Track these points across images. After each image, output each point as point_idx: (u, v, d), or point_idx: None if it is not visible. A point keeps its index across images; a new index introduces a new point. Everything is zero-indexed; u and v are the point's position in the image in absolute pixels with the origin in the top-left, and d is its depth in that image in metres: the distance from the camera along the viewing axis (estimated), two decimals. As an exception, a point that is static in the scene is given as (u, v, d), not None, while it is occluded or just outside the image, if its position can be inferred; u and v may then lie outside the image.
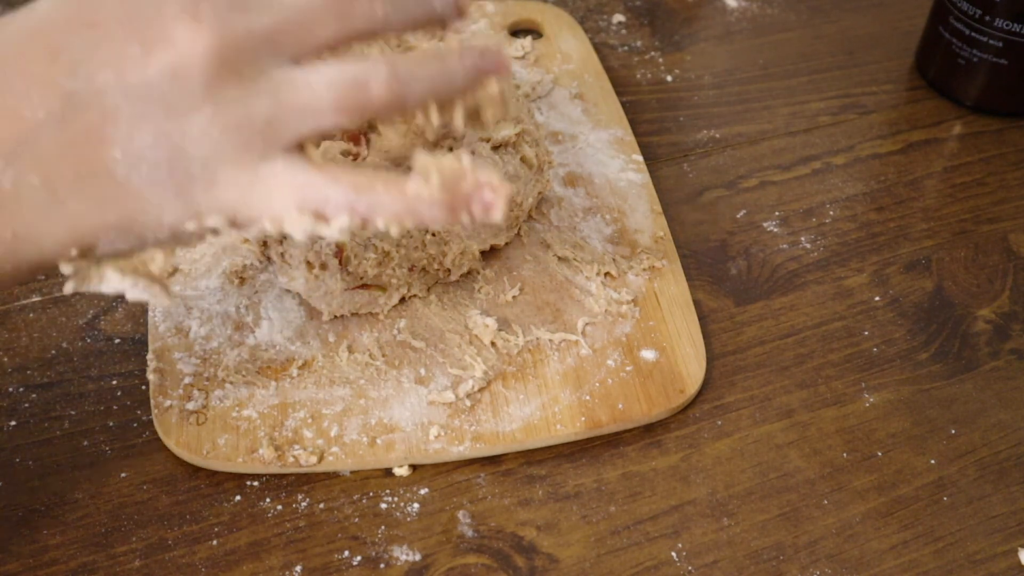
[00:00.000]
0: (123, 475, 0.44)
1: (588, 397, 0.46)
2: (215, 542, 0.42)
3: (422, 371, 0.47)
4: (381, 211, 0.30)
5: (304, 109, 0.29)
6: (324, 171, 0.30)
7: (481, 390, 0.47)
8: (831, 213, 0.58)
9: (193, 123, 0.28)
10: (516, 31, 0.68)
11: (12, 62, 0.27)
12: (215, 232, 0.30)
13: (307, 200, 0.29)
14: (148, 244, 0.30)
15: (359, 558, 0.42)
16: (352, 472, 0.45)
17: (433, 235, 0.49)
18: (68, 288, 0.31)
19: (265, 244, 0.50)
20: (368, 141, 0.58)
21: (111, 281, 0.30)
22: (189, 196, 0.29)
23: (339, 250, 0.47)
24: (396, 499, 0.44)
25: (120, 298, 0.51)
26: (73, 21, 0.28)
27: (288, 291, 0.50)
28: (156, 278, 0.31)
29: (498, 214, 0.31)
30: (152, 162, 0.28)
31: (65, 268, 0.30)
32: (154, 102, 0.27)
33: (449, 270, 0.50)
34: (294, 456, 0.44)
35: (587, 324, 0.49)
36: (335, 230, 0.30)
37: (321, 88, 0.29)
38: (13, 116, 0.27)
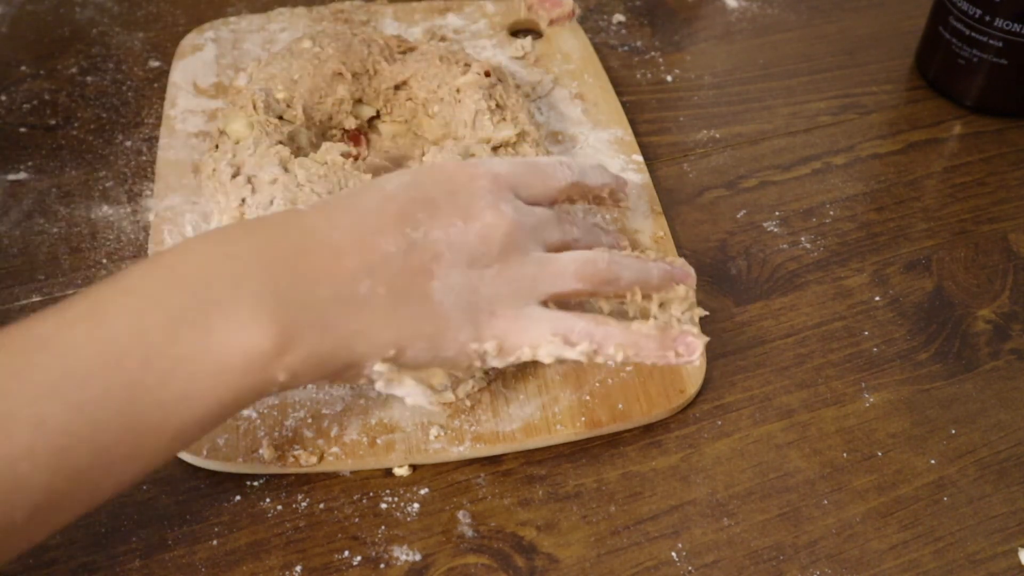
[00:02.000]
0: (123, 475, 0.44)
1: (588, 397, 0.46)
2: (215, 542, 0.42)
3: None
4: (612, 339, 0.40)
5: (556, 274, 0.41)
6: (569, 312, 0.41)
7: (481, 390, 0.47)
8: (831, 213, 0.58)
9: (487, 273, 0.40)
10: (516, 31, 0.68)
11: (374, 214, 0.39)
12: (484, 357, 0.40)
13: (559, 327, 0.40)
14: (437, 360, 0.39)
15: (359, 558, 0.42)
16: (352, 472, 0.45)
17: None
18: (378, 387, 0.39)
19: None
20: (368, 141, 0.58)
21: (408, 386, 0.39)
22: (477, 322, 0.39)
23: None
24: (396, 499, 0.44)
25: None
26: (416, 198, 0.39)
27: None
28: (436, 390, 0.41)
29: (696, 357, 0.41)
30: (458, 294, 0.39)
31: (379, 367, 0.38)
32: (465, 255, 0.39)
33: None
34: (294, 456, 0.44)
35: (587, 324, 0.49)
36: (577, 353, 0.40)
37: (567, 262, 0.41)
38: (373, 247, 0.38)
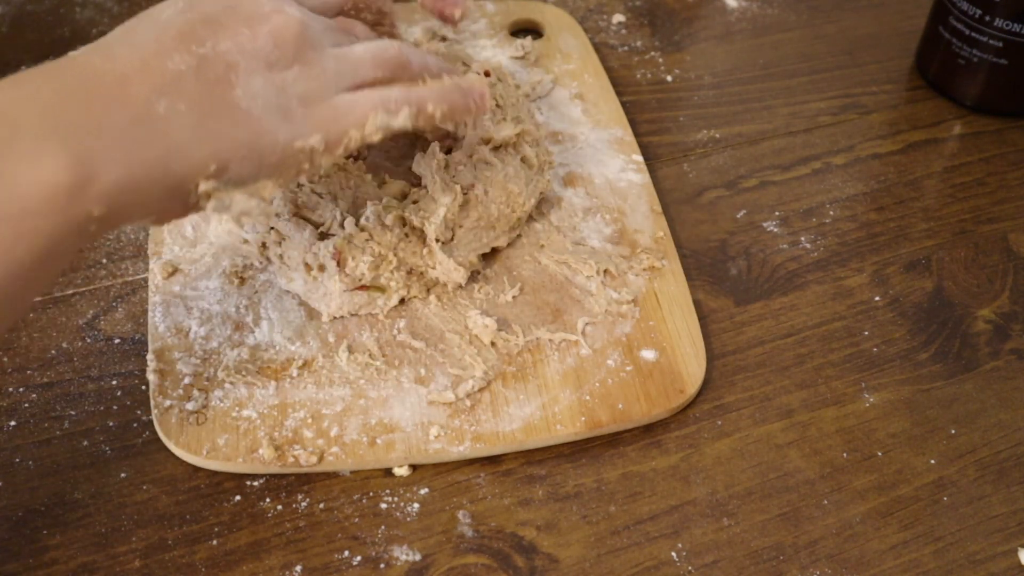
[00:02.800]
0: (123, 475, 0.44)
1: (588, 397, 0.46)
2: (215, 542, 0.42)
3: (422, 371, 0.47)
4: (427, 99, 0.42)
5: (356, 63, 0.42)
6: (380, 87, 0.42)
7: (481, 390, 0.47)
8: (831, 213, 0.58)
9: (289, 74, 0.40)
10: (516, 31, 0.68)
11: (153, 42, 0.37)
12: (312, 155, 0.40)
13: (376, 100, 0.41)
14: (264, 170, 0.39)
15: (359, 558, 0.42)
16: (352, 472, 0.45)
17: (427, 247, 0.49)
18: (209, 208, 0.38)
19: (264, 245, 0.50)
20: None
21: (238, 202, 0.39)
22: (293, 119, 0.39)
23: (337, 252, 0.47)
24: (396, 499, 0.44)
25: (119, 298, 0.51)
26: (194, 19, 0.38)
27: (288, 291, 0.50)
28: (265, 199, 0.40)
29: (487, 101, 0.45)
30: (264, 97, 0.39)
31: (204, 185, 0.37)
32: (262, 60, 0.39)
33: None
34: (294, 456, 0.44)
35: (587, 324, 0.49)
36: (402, 119, 0.42)
37: (362, 52, 0.43)
38: (160, 70, 0.37)
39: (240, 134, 0.38)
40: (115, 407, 0.47)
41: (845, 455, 0.46)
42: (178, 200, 0.38)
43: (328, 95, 0.41)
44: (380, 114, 0.41)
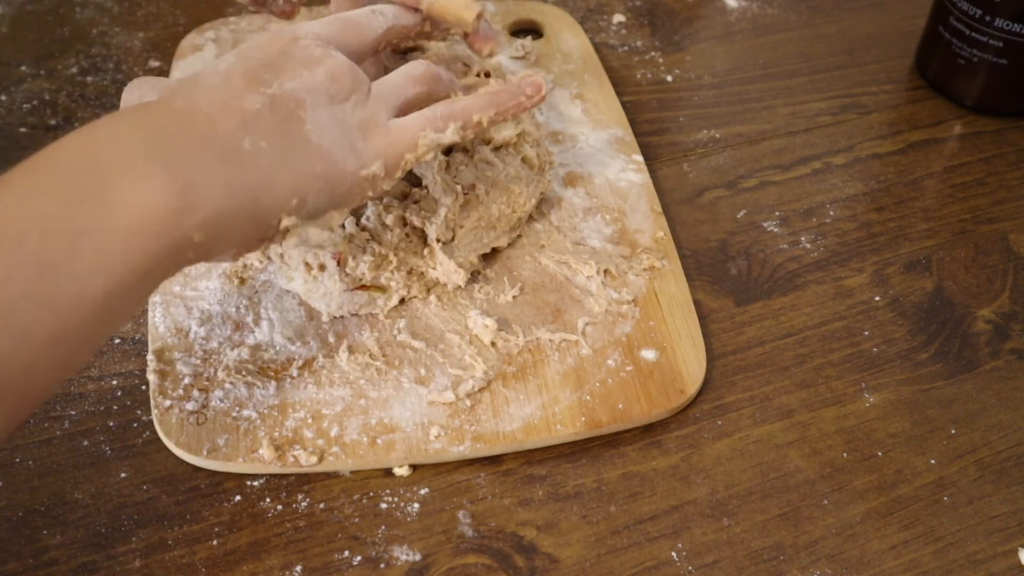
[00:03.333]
0: (123, 475, 0.44)
1: (588, 397, 0.46)
2: (215, 542, 0.42)
3: (422, 371, 0.47)
4: (471, 109, 0.45)
5: (398, 85, 0.45)
6: (426, 110, 0.45)
7: (481, 390, 0.47)
8: (831, 213, 0.58)
9: (347, 106, 0.42)
10: (516, 31, 0.68)
11: (224, 87, 0.40)
12: (375, 181, 0.43)
13: (424, 120, 0.44)
14: (336, 200, 0.42)
15: (359, 558, 0.42)
16: (352, 472, 0.45)
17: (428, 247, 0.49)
18: (289, 244, 0.41)
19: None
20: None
21: (315, 235, 0.42)
22: (357, 149, 0.42)
23: (337, 252, 0.47)
24: (396, 499, 0.44)
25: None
26: (255, 64, 0.41)
27: (288, 291, 0.50)
28: (334, 229, 0.43)
29: (546, 90, 0.47)
30: (330, 130, 0.41)
31: (287, 221, 0.40)
32: (324, 95, 0.41)
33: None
34: (294, 456, 0.44)
35: (587, 324, 0.49)
36: (451, 134, 0.44)
37: (399, 75, 0.45)
38: (241, 109, 0.39)
39: (316, 167, 0.40)
40: (115, 407, 0.47)
41: (845, 455, 0.46)
42: (260, 232, 0.40)
43: (381, 121, 0.43)
44: (429, 133, 0.44)
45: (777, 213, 0.58)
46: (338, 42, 0.44)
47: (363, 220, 0.49)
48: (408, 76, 0.45)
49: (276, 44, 0.42)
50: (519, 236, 0.54)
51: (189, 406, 0.45)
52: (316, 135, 0.40)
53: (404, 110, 0.45)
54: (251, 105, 0.39)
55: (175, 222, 0.35)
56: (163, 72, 0.65)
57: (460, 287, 0.50)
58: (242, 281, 0.51)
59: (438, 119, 0.44)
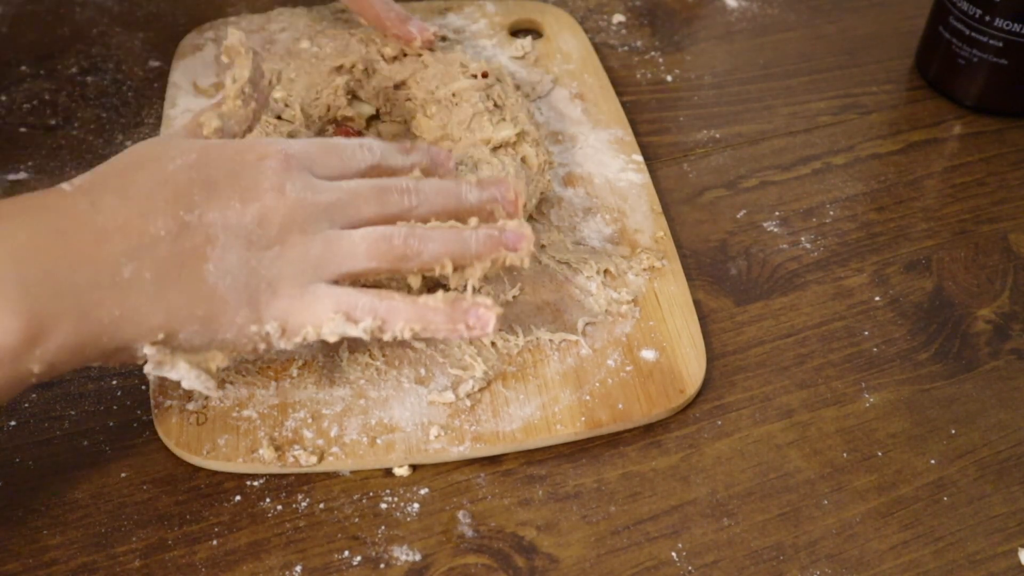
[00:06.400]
0: (123, 475, 0.44)
1: (588, 397, 0.46)
2: (215, 542, 0.42)
3: (422, 371, 0.47)
4: (397, 315, 0.40)
5: (344, 253, 0.40)
6: (356, 288, 0.41)
7: (481, 390, 0.47)
8: (831, 213, 0.58)
9: (267, 255, 0.39)
10: (516, 31, 0.68)
11: (145, 197, 0.37)
12: (268, 339, 0.40)
13: (341, 303, 0.40)
14: (216, 343, 0.39)
15: (359, 558, 0.42)
16: (352, 472, 0.45)
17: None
18: (147, 369, 0.38)
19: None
20: (360, 136, 0.58)
21: (180, 370, 0.38)
22: (256, 304, 0.39)
23: None
24: (396, 499, 0.44)
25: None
26: (196, 179, 0.38)
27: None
28: (213, 374, 0.40)
29: (491, 328, 0.40)
30: (234, 276, 0.38)
31: (148, 350, 0.37)
32: (242, 237, 0.38)
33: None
34: (294, 456, 0.44)
35: (587, 324, 0.49)
36: (360, 330, 0.40)
37: (357, 239, 0.41)
38: (140, 231, 0.37)
39: (198, 310, 0.38)
40: (115, 407, 0.47)
41: (845, 455, 0.46)
42: (123, 356, 0.38)
43: (300, 282, 0.40)
44: (339, 320, 0.40)
45: (777, 213, 0.58)
46: (313, 163, 0.41)
47: None
48: (369, 248, 0.41)
49: (240, 157, 0.40)
50: (519, 236, 0.54)
51: (189, 406, 0.45)
52: (215, 276, 0.38)
53: (344, 279, 0.41)
54: (155, 230, 0.37)
55: (15, 358, 0.34)
56: (163, 72, 0.65)
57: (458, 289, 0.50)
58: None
59: (358, 309, 0.40)
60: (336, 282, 0.41)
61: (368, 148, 0.44)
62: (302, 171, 0.41)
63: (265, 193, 0.39)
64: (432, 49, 0.56)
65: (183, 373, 0.38)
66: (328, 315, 0.40)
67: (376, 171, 0.44)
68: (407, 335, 0.40)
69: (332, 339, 0.40)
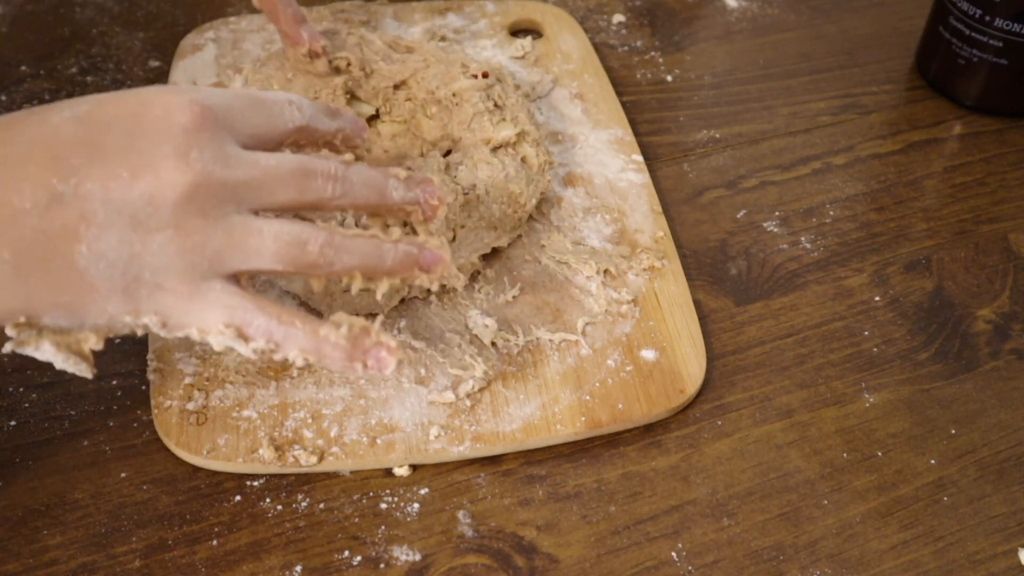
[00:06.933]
0: (123, 475, 0.44)
1: (588, 397, 0.46)
2: (215, 542, 0.42)
3: (422, 371, 0.47)
4: (293, 343, 0.36)
5: (249, 250, 0.35)
6: (254, 299, 0.36)
7: (481, 390, 0.47)
8: (831, 213, 0.58)
9: (154, 239, 0.33)
10: (516, 31, 0.68)
11: (15, 159, 0.32)
12: (147, 327, 0.35)
13: (234, 319, 0.35)
14: (86, 326, 0.34)
15: (359, 558, 0.42)
16: (352, 472, 0.45)
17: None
18: (6, 348, 0.34)
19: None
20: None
21: (46, 352, 0.34)
22: (134, 295, 0.34)
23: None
24: (396, 499, 0.44)
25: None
26: (81, 139, 0.33)
27: (288, 291, 0.50)
28: (85, 356, 0.35)
29: (389, 371, 0.36)
30: (110, 261, 0.33)
31: (9, 331, 0.33)
32: (126, 216, 0.33)
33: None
34: (294, 456, 0.44)
35: (587, 324, 0.49)
36: (249, 350, 0.35)
37: (268, 237, 0.35)
38: (5, 203, 0.32)
39: (63, 297, 0.33)
40: (115, 407, 0.47)
41: (845, 455, 0.46)
42: None
43: (190, 278, 0.34)
44: (228, 334, 0.35)
45: (777, 213, 0.58)
46: (235, 119, 0.36)
47: (363, 219, 0.48)
48: (278, 251, 0.36)
49: (143, 109, 0.34)
50: (519, 236, 0.54)
51: (189, 406, 0.45)
52: (86, 260, 0.33)
53: (243, 275, 0.36)
54: (20, 201, 0.32)
55: None
56: (163, 72, 0.65)
57: (458, 289, 0.50)
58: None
59: (251, 327, 0.35)
60: (233, 277, 0.36)
61: (298, 106, 0.39)
62: (217, 131, 0.35)
63: (163, 161, 0.33)
64: (318, 56, 0.54)
65: (50, 355, 0.34)
66: (218, 326, 0.35)
67: (303, 133, 0.39)
68: (299, 363, 0.36)
69: (218, 348, 0.36)
